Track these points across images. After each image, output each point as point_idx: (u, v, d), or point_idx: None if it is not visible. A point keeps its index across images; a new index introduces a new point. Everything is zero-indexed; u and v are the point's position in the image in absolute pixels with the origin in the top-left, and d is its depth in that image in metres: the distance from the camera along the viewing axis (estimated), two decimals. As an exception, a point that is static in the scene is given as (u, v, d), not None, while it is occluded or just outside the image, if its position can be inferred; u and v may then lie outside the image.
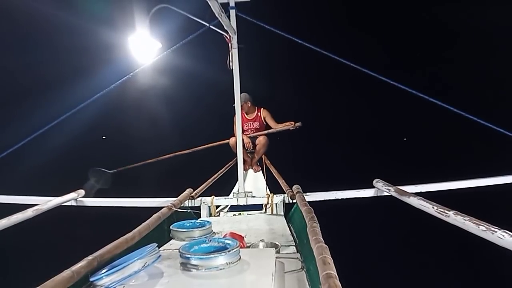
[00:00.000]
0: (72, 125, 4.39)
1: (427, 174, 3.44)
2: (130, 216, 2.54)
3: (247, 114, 5.33)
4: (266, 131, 5.26)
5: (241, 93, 3.55)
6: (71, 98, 4.26)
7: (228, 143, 5.20)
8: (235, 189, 3.69)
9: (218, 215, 3.32)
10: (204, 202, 3.18)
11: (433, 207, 1.82)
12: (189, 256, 1.42)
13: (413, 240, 5.66)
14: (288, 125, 5.08)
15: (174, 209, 2.53)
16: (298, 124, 5.07)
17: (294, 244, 2.13)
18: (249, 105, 5.26)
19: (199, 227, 2.12)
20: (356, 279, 1.95)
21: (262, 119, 5.33)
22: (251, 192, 3.33)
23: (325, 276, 1.13)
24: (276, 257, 1.61)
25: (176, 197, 2.90)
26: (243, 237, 2.07)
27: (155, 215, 2.17)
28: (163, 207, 2.42)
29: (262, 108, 5.37)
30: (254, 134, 5.27)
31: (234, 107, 3.59)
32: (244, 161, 4.74)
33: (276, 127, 5.26)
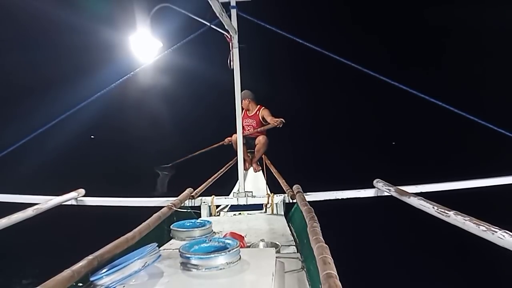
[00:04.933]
0: (73, 124, 4.40)
1: (428, 173, 3.44)
2: (131, 216, 2.54)
3: (248, 111, 5.34)
4: (259, 128, 5.24)
5: (242, 91, 3.56)
6: (72, 97, 4.26)
7: (222, 144, 5.25)
8: (235, 189, 3.69)
9: (218, 215, 3.32)
10: (204, 202, 3.17)
11: (433, 207, 1.82)
12: (189, 255, 1.43)
13: (413, 240, 5.65)
14: (275, 122, 4.98)
15: (174, 208, 2.53)
16: (281, 119, 5.00)
17: (294, 244, 2.13)
18: (247, 102, 5.27)
19: (199, 227, 2.12)
20: (356, 279, 1.94)
21: (260, 117, 5.30)
22: (251, 192, 3.32)
23: (325, 276, 1.13)
24: (276, 257, 1.61)
25: (176, 196, 2.90)
26: (243, 237, 2.07)
27: (155, 215, 2.17)
28: (163, 207, 2.42)
29: (262, 107, 5.36)
30: (252, 132, 5.29)
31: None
32: (244, 160, 4.74)
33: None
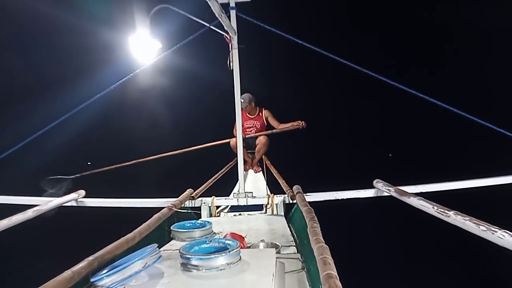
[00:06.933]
0: (72, 125, 4.39)
1: (427, 174, 3.44)
2: (131, 217, 2.54)
3: (249, 114, 5.36)
4: (271, 131, 5.30)
5: (242, 93, 3.56)
6: (71, 98, 4.26)
7: (227, 142, 5.23)
8: (235, 190, 3.69)
9: (219, 216, 3.32)
10: (204, 203, 3.18)
11: (433, 207, 1.82)
12: (189, 256, 1.43)
13: (413, 240, 5.65)
14: (296, 125, 5.09)
15: (175, 209, 2.53)
16: (303, 123, 5.10)
17: (294, 244, 2.13)
18: (252, 105, 5.30)
19: (200, 228, 2.12)
20: (356, 279, 1.95)
21: (264, 119, 5.38)
22: (252, 192, 3.33)
23: (325, 276, 1.13)
24: (276, 258, 1.61)
25: (177, 197, 2.90)
26: (243, 238, 2.07)
27: (155, 216, 2.17)
28: (163, 208, 2.42)
29: (263, 108, 5.41)
30: (256, 134, 5.29)
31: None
32: (245, 161, 4.75)
33: (279, 126, 5.28)
